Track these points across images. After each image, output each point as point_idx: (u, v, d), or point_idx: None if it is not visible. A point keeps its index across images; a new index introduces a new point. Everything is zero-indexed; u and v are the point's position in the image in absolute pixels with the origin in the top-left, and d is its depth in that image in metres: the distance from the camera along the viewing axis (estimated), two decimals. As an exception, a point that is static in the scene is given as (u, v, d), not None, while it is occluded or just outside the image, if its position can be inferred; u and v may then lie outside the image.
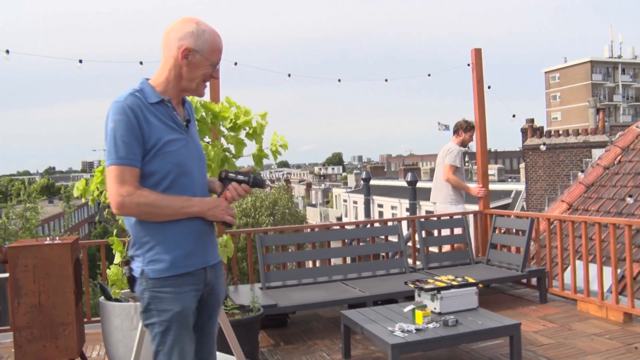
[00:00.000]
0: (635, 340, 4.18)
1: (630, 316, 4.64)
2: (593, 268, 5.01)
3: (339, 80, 6.51)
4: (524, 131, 20.02)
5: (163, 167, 2.07)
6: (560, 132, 19.94)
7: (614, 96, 63.87)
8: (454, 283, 4.00)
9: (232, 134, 3.68)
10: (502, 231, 6.02)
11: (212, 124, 3.62)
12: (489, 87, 6.48)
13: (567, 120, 58.83)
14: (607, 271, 5.01)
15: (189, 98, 2.42)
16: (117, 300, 3.73)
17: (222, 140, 3.71)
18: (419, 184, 18.37)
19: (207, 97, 4.71)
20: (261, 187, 2.34)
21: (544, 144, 18.90)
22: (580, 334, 4.40)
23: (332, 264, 5.74)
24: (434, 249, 6.13)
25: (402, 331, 3.58)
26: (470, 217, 6.46)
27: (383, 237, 5.96)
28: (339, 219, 38.81)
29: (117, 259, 3.79)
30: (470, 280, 4.08)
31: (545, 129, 20.70)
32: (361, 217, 31.30)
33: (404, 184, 23.25)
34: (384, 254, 6.12)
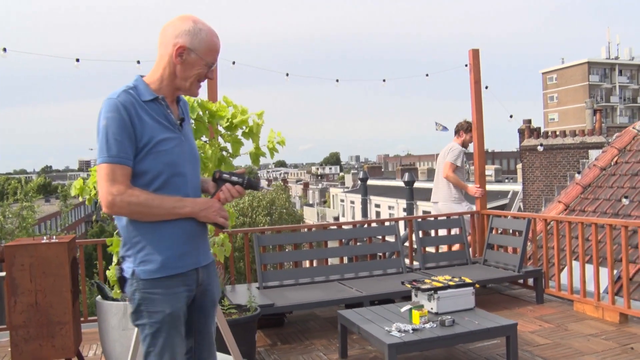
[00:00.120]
0: (631, 341, 4.20)
1: (626, 317, 4.65)
2: (589, 269, 5.03)
3: (337, 80, 6.53)
4: (521, 132, 20.08)
5: (155, 166, 2.05)
6: (558, 133, 19.98)
7: (611, 97, 64.02)
8: (451, 283, 4.00)
9: (229, 133, 3.68)
10: (499, 231, 6.03)
11: (209, 123, 3.62)
12: (486, 88, 6.50)
13: (564, 121, 58.96)
14: (604, 272, 5.02)
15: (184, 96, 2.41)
16: (115, 300, 3.72)
17: (220, 139, 3.71)
18: (416, 184, 18.41)
19: (204, 96, 4.72)
20: (255, 189, 2.30)
21: (541, 144, 18.94)
22: (576, 334, 4.42)
23: (329, 263, 5.74)
24: (431, 249, 6.13)
25: (399, 331, 3.58)
26: (467, 218, 6.47)
27: (380, 237, 5.96)
28: (336, 218, 38.82)
29: (116, 259, 3.78)
30: (467, 280, 4.09)
31: (542, 130, 20.74)
32: (358, 217, 31.32)
33: (402, 184, 23.27)
34: (381, 254, 6.13)
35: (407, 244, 6.24)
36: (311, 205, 52.31)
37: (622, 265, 4.65)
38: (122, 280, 2.10)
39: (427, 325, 3.66)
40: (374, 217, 31.41)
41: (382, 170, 53.58)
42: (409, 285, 4.13)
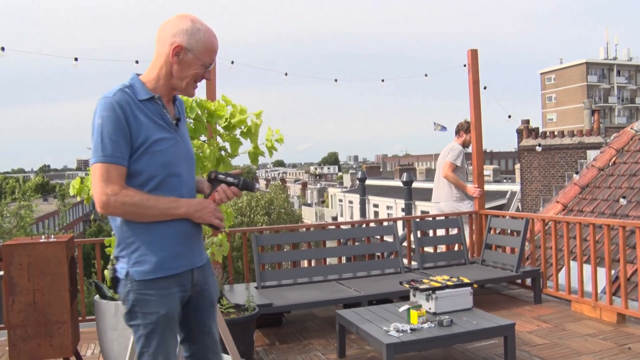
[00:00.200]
0: (629, 341, 4.21)
1: (624, 317, 4.66)
2: (587, 269, 5.03)
3: (336, 80, 6.52)
4: (519, 132, 20.10)
5: (150, 166, 2.03)
6: (556, 133, 20.01)
7: (609, 98, 64.12)
8: (449, 283, 4.01)
9: (227, 132, 3.67)
10: (497, 232, 6.04)
11: (207, 122, 3.61)
12: (484, 88, 6.51)
13: (562, 122, 59.04)
14: (601, 272, 5.03)
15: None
16: (113, 299, 3.72)
17: (218, 138, 3.71)
18: (415, 184, 18.41)
19: (203, 96, 4.72)
20: (251, 190, 2.27)
21: (539, 145, 18.96)
22: (574, 334, 4.42)
23: (327, 263, 5.74)
24: (429, 249, 6.14)
25: (397, 331, 3.58)
26: (466, 218, 6.48)
27: (378, 237, 5.96)
28: (335, 218, 38.83)
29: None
30: (465, 280, 4.09)
31: (540, 130, 20.78)
32: (357, 217, 31.32)
33: (400, 184, 23.25)
34: (379, 254, 6.12)
35: (405, 243, 6.25)
36: (309, 205, 52.32)
37: (620, 265, 4.66)
38: (115, 281, 2.08)
39: (425, 325, 3.66)
40: (372, 217, 31.42)
41: (381, 170, 53.57)
42: (407, 285, 4.13)
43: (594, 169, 8.81)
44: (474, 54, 6.47)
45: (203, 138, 3.66)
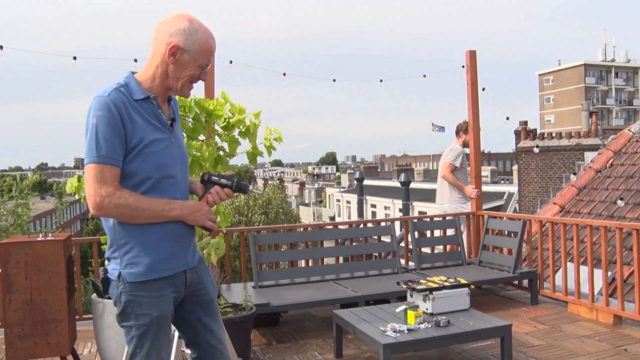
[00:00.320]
0: (625, 343, 4.22)
1: (620, 318, 4.68)
2: (584, 270, 5.05)
3: (334, 80, 6.53)
4: (517, 133, 20.12)
5: (145, 168, 2.00)
6: (554, 134, 20.05)
7: (607, 99, 64.25)
8: (446, 284, 4.01)
9: (225, 132, 3.67)
10: (495, 233, 6.05)
11: (205, 122, 3.61)
12: (483, 89, 6.52)
13: (560, 123, 59.14)
14: (598, 274, 5.04)
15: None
16: (110, 298, 3.71)
17: (216, 138, 3.70)
18: (412, 185, 18.44)
19: (201, 94, 4.71)
20: (244, 192, 2.26)
21: (537, 146, 18.99)
22: (570, 335, 4.43)
23: (324, 263, 5.74)
24: (426, 250, 6.15)
25: (394, 331, 3.59)
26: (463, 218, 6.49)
27: (376, 237, 5.97)
28: (332, 218, 38.85)
29: None
30: (462, 281, 4.10)
31: (538, 132, 20.79)
32: (354, 217, 31.34)
33: (397, 184, 23.29)
34: (376, 254, 6.14)
35: (402, 244, 6.26)
36: (307, 205, 52.33)
37: (617, 267, 4.67)
38: (106, 282, 2.07)
39: (422, 326, 3.67)
40: (369, 217, 31.45)
41: (378, 170, 53.55)
42: (404, 286, 4.14)
43: (591, 170, 8.83)
44: (472, 55, 6.48)
45: (202, 138, 3.65)
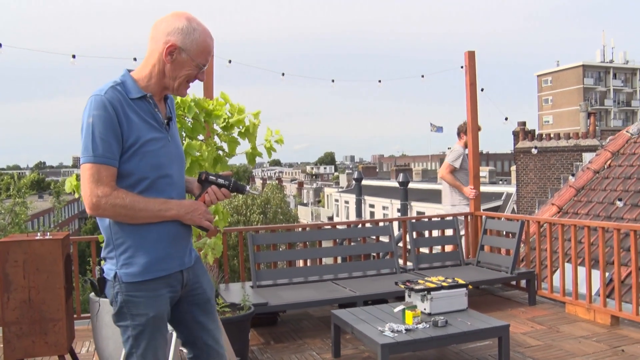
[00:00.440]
0: (622, 343, 4.23)
1: (618, 319, 4.69)
2: (582, 271, 5.06)
3: (333, 81, 6.53)
4: (515, 134, 20.12)
5: (141, 167, 1.99)
6: (552, 135, 20.05)
7: (605, 100, 64.33)
8: (444, 284, 4.02)
9: (225, 132, 3.66)
10: (493, 233, 6.06)
11: (205, 122, 3.61)
12: (482, 90, 6.52)
13: (558, 124, 59.20)
14: (596, 274, 5.05)
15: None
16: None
17: (216, 138, 3.70)
18: (411, 185, 18.45)
19: (200, 94, 4.70)
20: (241, 192, 2.26)
21: (536, 147, 18.99)
22: (568, 336, 4.44)
23: (323, 263, 5.75)
24: (424, 250, 6.16)
25: (392, 331, 3.59)
26: (461, 219, 6.50)
27: (374, 237, 5.98)
28: (331, 218, 38.84)
29: None
30: (460, 281, 4.11)
31: (536, 132, 20.79)
32: (352, 217, 31.34)
33: (396, 184, 23.31)
34: (374, 254, 6.15)
35: (401, 244, 6.26)
36: (305, 205, 52.32)
37: (614, 267, 4.68)
38: (102, 282, 2.06)
39: (420, 326, 3.67)
40: (368, 217, 31.45)
41: (377, 170, 53.53)
42: (402, 286, 4.14)
43: (589, 171, 8.84)
44: (471, 55, 6.49)
45: (201, 137, 3.65)
